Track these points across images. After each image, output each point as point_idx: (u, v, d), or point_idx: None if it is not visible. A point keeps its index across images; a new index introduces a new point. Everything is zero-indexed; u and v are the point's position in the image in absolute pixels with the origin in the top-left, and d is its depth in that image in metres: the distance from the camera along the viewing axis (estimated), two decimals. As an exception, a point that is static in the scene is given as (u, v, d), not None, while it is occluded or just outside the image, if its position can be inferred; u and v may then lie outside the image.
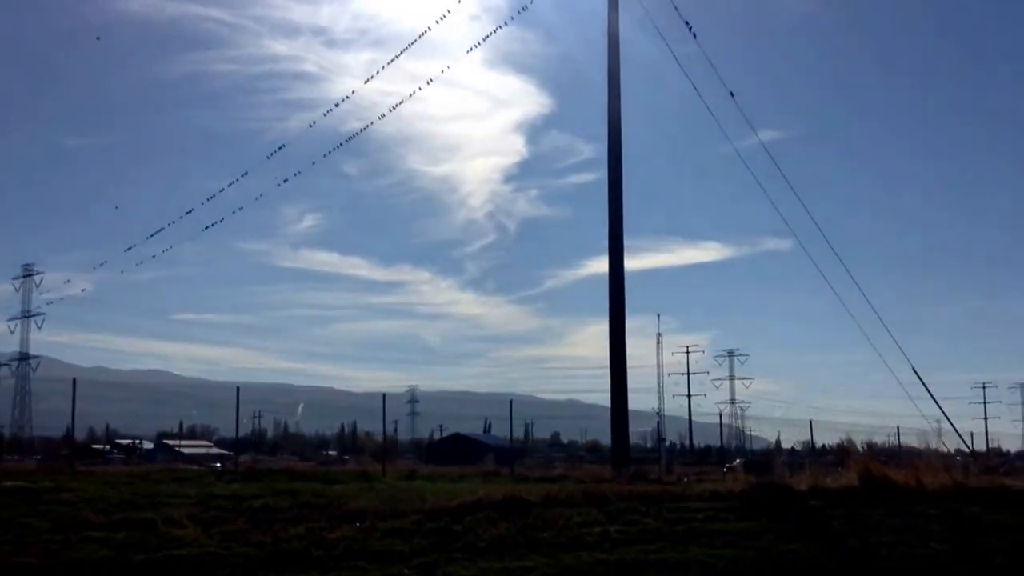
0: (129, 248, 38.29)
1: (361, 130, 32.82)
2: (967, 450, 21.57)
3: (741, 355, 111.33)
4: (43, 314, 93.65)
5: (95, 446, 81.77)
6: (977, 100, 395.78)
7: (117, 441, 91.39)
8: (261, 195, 36.46)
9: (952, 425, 20.09)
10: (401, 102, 31.54)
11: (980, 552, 12.99)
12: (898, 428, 27.72)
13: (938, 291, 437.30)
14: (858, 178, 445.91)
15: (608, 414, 27.71)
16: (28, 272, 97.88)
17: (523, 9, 27.43)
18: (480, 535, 12.78)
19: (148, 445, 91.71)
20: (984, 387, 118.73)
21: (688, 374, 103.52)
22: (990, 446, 72.59)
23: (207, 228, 37.04)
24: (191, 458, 65.29)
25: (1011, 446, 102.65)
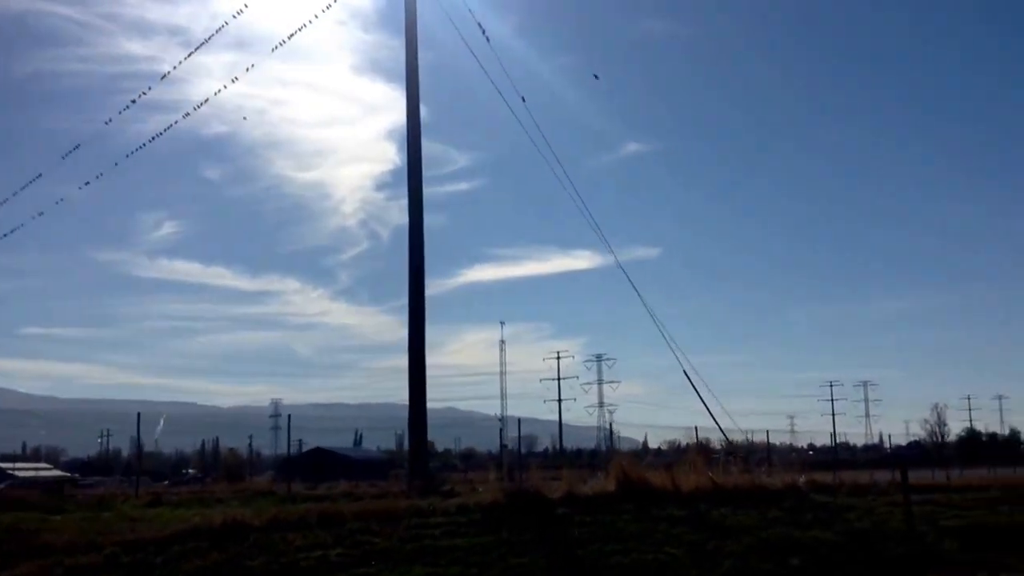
0: None
1: (157, 135, 30.49)
2: (730, 447, 21.68)
3: (609, 359, 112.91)
4: None
5: (-91, 475, 75.01)
6: (838, 109, 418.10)
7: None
8: (62, 199, 33.74)
9: (716, 422, 20.15)
10: (206, 100, 29.41)
11: (713, 555, 12.68)
12: (696, 428, 27.81)
13: (788, 297, 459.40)
14: (723, 188, 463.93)
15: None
16: None
17: (328, 7, 25.95)
18: (181, 568, 11.57)
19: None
20: (831, 385, 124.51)
21: (559, 379, 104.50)
22: (838, 442, 76.19)
23: (5, 236, 34.13)
24: (25, 482, 60.67)
25: (857, 441, 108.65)
